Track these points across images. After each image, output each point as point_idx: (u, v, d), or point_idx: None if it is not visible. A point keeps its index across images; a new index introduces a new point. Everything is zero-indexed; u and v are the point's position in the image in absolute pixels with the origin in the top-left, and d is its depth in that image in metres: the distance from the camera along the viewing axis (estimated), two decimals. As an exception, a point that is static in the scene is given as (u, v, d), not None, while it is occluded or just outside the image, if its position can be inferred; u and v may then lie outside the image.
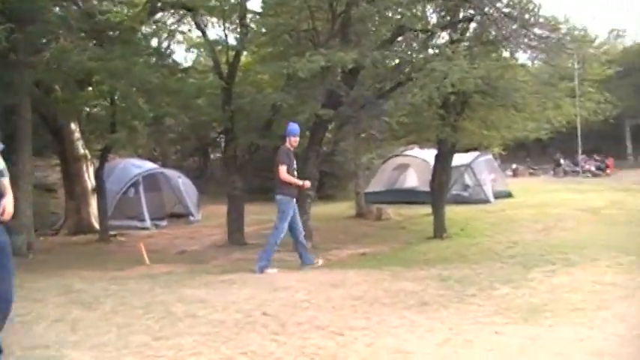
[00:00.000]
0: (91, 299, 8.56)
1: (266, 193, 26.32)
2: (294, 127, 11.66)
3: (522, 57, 16.75)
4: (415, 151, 26.84)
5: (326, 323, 7.15)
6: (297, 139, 11.64)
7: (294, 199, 11.53)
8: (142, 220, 22.24)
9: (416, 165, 26.74)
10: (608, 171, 42.31)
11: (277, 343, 6.36)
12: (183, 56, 62.41)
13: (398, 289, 9.18)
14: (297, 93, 15.25)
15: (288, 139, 11.49)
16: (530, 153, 48.95)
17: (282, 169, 11.17)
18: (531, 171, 45.78)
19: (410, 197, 25.02)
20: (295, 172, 11.49)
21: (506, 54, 15.95)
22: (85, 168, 21.50)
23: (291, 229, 11.53)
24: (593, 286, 9.04)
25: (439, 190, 17.14)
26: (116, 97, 18.62)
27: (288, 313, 7.64)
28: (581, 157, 40.57)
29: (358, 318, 7.43)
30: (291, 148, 11.52)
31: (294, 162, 11.54)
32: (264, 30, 17.91)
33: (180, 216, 24.62)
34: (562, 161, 44.08)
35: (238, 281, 10.10)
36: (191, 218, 24.16)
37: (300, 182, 11.37)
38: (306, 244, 12.13)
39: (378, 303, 8.28)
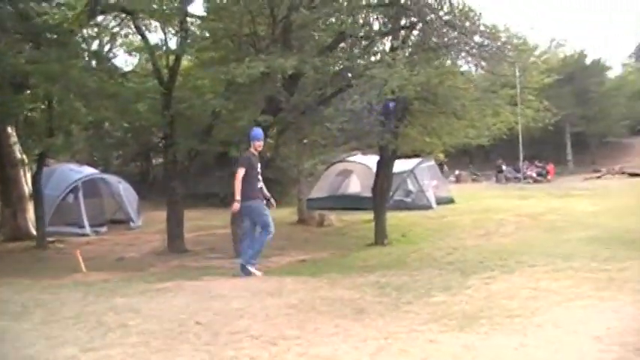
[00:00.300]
0: (19, 309, 8.32)
1: (207, 199, 26.30)
2: (257, 131, 11.60)
3: (466, 65, 16.93)
4: (358, 157, 26.89)
5: (260, 332, 7.03)
6: (261, 143, 11.55)
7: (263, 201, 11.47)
8: (82, 226, 21.85)
9: (359, 171, 26.75)
10: (549, 177, 43.02)
11: (209, 353, 6.23)
12: (124, 60, 61.82)
13: (335, 297, 9.11)
14: (237, 99, 15.12)
15: (252, 144, 11.40)
16: (472, 159, 49.54)
17: (239, 173, 11.01)
18: (474, 177, 46.28)
19: (353, 203, 25.01)
20: (259, 177, 11.38)
21: (448, 62, 16.03)
22: (22, 173, 20.95)
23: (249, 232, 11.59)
24: (529, 292, 9.07)
25: (380, 197, 17.14)
26: (53, 101, 18.20)
27: (221, 322, 7.51)
28: (522, 163, 41.11)
29: (293, 327, 7.33)
30: (255, 153, 11.37)
31: (258, 166, 11.37)
32: (207, 34, 17.72)
33: (120, 222, 24.24)
34: (504, 167, 44.64)
35: (174, 289, 9.91)
36: (132, 224, 23.84)
37: (237, 197, 11.13)
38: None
39: (314, 311, 8.19)
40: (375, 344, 6.61)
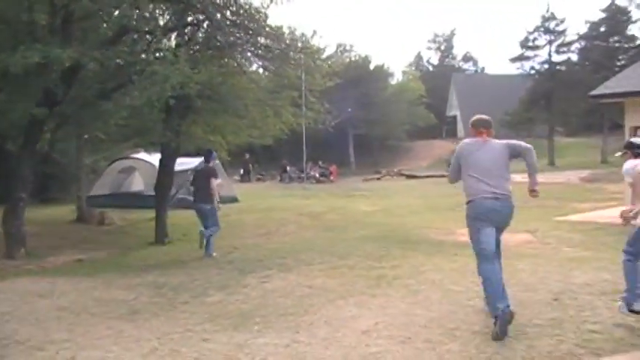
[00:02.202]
0: None
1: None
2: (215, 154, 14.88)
3: (254, 66, 17.05)
4: (142, 154, 26.29)
5: (26, 337, 6.74)
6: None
7: None
8: None
9: (142, 168, 26.15)
10: (331, 177, 44.30)
11: (-35, 363, 5.87)
12: None
13: (109, 297, 8.90)
14: (10, 90, 14.29)
15: (212, 162, 14.31)
16: (258, 159, 50.02)
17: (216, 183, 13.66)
18: (259, 176, 46.72)
19: (136, 201, 24.45)
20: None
21: (235, 62, 16.06)
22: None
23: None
24: (304, 290, 9.30)
25: (161, 195, 16.86)
26: None
27: (-16, 327, 7.11)
28: (306, 164, 41.99)
29: (62, 330, 7.08)
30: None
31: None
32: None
33: None
34: (288, 167, 45.44)
35: None
36: None
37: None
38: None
39: (86, 313, 7.96)
40: (148, 345, 6.54)
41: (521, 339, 6.39)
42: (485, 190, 7.05)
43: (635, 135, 14.44)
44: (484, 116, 7.61)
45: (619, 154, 7.73)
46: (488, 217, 7.08)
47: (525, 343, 6.26)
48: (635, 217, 6.86)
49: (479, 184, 7.08)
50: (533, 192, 7.34)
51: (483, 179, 7.08)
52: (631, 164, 7.19)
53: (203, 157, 14.63)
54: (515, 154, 7.31)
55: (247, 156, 43.77)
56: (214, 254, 13.12)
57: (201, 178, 13.75)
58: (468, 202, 7.22)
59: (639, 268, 6.95)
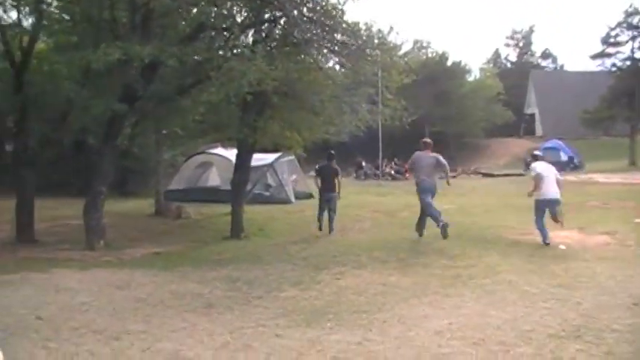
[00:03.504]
0: None
1: (63, 189, 25.36)
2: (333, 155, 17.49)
3: (330, 62, 17.04)
4: (219, 150, 26.59)
5: (104, 327, 6.89)
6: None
7: None
8: None
9: (219, 163, 26.44)
10: (406, 175, 43.98)
11: (47, 350, 6.05)
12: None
13: (184, 290, 9.03)
14: (92, 86, 14.64)
15: (334, 161, 17.22)
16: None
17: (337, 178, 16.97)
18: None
19: (212, 196, 24.70)
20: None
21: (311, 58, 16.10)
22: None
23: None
24: (378, 287, 9.28)
25: (237, 190, 17.02)
26: None
27: (64, 317, 7.30)
28: (381, 161, 41.81)
29: (138, 321, 7.22)
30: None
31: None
32: (65, 17, 17.00)
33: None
34: (364, 164, 45.34)
35: (18, 282, 9.55)
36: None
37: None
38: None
39: (162, 305, 8.10)
40: (221, 339, 6.60)
41: (600, 345, 6.24)
42: (425, 178, 14.31)
43: None
44: (428, 139, 15.77)
45: None
46: (430, 190, 14.40)
47: (603, 349, 6.11)
48: None
49: (422, 175, 14.39)
50: (448, 183, 15.24)
51: (424, 173, 14.39)
52: None
53: (326, 157, 17.44)
54: (438, 163, 14.59)
55: (359, 157, 44.44)
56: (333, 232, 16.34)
57: (327, 173, 16.91)
58: (419, 180, 14.53)
59: None
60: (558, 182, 13.66)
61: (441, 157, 14.62)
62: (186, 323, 7.20)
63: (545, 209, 13.47)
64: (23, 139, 16.62)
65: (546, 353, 6.07)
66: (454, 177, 43.12)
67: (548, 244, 12.99)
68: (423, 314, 7.62)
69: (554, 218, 13.60)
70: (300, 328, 7.09)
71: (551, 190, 13.39)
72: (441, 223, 13.61)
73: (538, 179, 13.38)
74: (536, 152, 15.91)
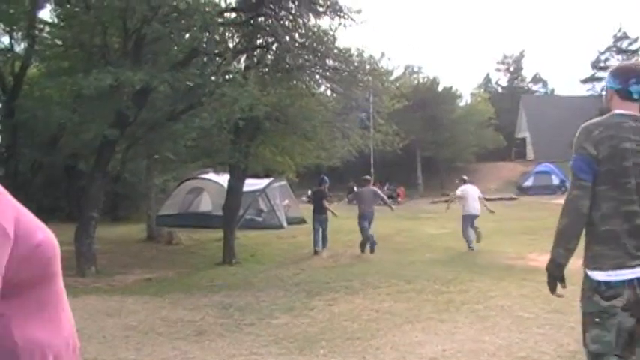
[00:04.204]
0: None
1: (53, 214, 25.26)
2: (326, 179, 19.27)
3: (322, 87, 17.11)
4: (210, 175, 26.54)
5: (94, 355, 6.80)
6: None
7: None
8: None
9: (210, 189, 26.38)
10: (399, 199, 44.02)
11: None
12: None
13: (176, 317, 8.95)
14: (83, 111, 14.60)
15: (324, 185, 19.00)
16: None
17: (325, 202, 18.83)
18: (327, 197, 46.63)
19: (204, 221, 24.62)
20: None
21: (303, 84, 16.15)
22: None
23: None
24: (371, 314, 9.21)
25: (229, 215, 16.98)
26: None
27: (53, 344, 7.18)
28: (374, 185, 41.70)
29: (129, 349, 7.13)
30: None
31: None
32: (58, 42, 17.02)
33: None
34: (356, 189, 45.25)
35: (7, 309, 9.43)
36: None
37: None
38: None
39: (153, 332, 8.01)
40: (213, 367, 6.51)
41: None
42: (365, 208, 17.23)
43: None
44: (368, 177, 19.73)
45: None
46: (368, 218, 17.15)
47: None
48: None
49: (363, 206, 17.41)
50: (391, 209, 19.93)
51: (366, 204, 17.38)
52: None
53: (319, 181, 19.29)
54: (376, 196, 18.28)
55: (351, 182, 44.31)
56: (318, 249, 17.46)
57: (317, 197, 18.81)
58: (362, 211, 17.40)
59: None
60: (480, 201, 17.69)
61: (378, 191, 19.83)
62: (177, 351, 7.12)
63: (471, 221, 17.28)
64: (14, 164, 16.58)
65: (541, 379, 6.02)
66: (446, 201, 43.32)
67: (472, 248, 16.76)
68: (417, 340, 7.55)
69: (475, 228, 17.37)
70: (292, 355, 7.01)
71: (474, 206, 17.35)
72: (374, 244, 17.18)
73: (464, 198, 17.59)
74: (464, 177, 19.98)
